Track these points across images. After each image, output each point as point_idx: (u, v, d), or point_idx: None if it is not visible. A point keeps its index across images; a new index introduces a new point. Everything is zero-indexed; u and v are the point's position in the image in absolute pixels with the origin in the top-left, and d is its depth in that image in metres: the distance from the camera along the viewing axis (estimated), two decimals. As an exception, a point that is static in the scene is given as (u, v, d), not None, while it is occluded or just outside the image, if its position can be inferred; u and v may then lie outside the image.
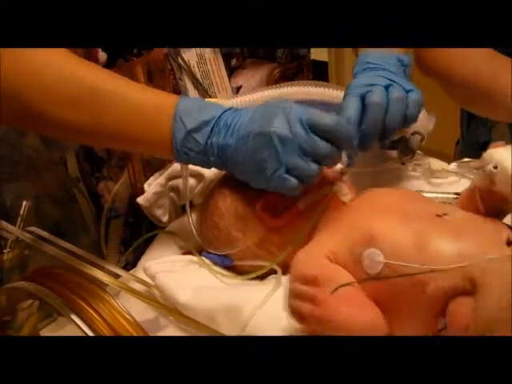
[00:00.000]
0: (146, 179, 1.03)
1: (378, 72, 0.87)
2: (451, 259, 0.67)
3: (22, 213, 1.04)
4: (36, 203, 1.15)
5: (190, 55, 1.16)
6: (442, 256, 0.68)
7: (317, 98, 0.97)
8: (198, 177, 0.98)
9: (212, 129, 0.81)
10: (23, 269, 0.85)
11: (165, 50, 1.09)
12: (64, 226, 1.16)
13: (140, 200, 1.00)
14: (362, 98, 0.86)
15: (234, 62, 1.22)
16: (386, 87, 0.86)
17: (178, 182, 0.98)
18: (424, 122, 0.94)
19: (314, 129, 0.77)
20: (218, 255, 0.87)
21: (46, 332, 0.73)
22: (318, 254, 0.76)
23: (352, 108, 0.86)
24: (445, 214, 0.74)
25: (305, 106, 0.80)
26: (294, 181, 0.78)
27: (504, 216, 0.75)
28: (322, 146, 0.78)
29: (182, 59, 1.15)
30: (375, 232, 0.73)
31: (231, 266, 0.87)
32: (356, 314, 0.70)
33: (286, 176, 0.77)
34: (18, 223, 1.00)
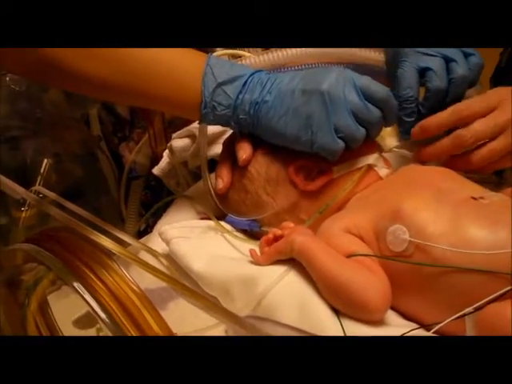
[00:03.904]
0: (167, 141, 0.99)
1: None
2: (481, 247, 0.63)
3: (42, 171, 1.02)
4: (57, 161, 1.12)
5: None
6: (471, 242, 0.64)
7: (352, 59, 0.91)
8: (192, 138, 0.94)
9: (244, 84, 0.78)
10: (43, 227, 0.83)
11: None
12: (85, 185, 1.14)
13: (155, 171, 0.97)
14: (420, 70, 0.83)
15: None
16: (446, 59, 0.82)
17: (176, 142, 0.94)
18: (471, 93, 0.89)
19: (366, 95, 0.76)
20: (246, 220, 0.83)
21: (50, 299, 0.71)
22: (341, 226, 0.73)
23: (411, 81, 0.83)
24: (481, 198, 0.69)
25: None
26: (340, 142, 0.76)
27: None
28: (375, 112, 0.77)
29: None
30: (403, 208, 0.69)
31: (256, 233, 0.83)
32: (366, 275, 0.68)
33: (333, 135, 0.75)
34: (39, 181, 0.98)
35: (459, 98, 0.84)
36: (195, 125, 0.93)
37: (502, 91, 0.80)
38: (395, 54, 0.85)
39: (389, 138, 0.91)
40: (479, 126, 0.78)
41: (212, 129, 0.91)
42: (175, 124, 1.00)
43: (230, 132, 0.91)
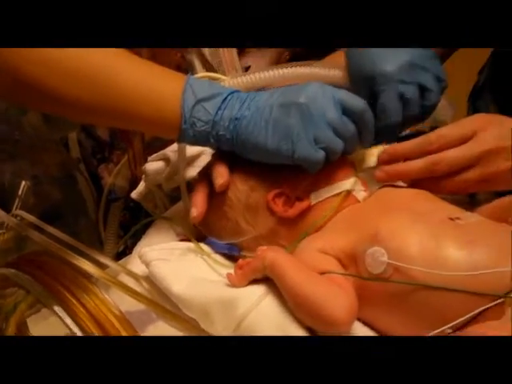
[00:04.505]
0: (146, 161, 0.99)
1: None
2: (459, 267, 0.64)
3: (20, 193, 1.01)
4: (35, 183, 1.12)
5: (199, 33, 1.13)
6: (449, 263, 0.65)
7: (327, 80, 0.93)
8: (166, 161, 0.95)
9: (224, 100, 0.79)
10: (20, 251, 0.82)
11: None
12: (63, 208, 1.14)
13: (133, 195, 0.98)
14: (400, 97, 0.83)
15: (243, 40, 1.18)
16: (421, 87, 0.83)
17: (150, 166, 0.96)
18: (444, 112, 0.90)
19: (343, 108, 0.77)
20: (226, 244, 0.84)
21: (29, 323, 0.71)
22: (317, 247, 0.74)
23: (396, 109, 0.83)
24: (458, 218, 0.71)
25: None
26: (321, 152, 0.76)
27: None
28: (350, 127, 0.78)
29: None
30: (381, 230, 0.70)
31: (236, 256, 0.83)
32: (334, 290, 0.68)
33: (313, 146, 0.76)
34: (16, 204, 0.97)
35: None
36: (170, 148, 0.94)
37: (477, 120, 0.80)
38: (370, 81, 0.84)
39: (370, 156, 0.92)
40: (454, 155, 0.78)
41: (187, 152, 0.92)
42: (154, 146, 1.00)
43: (205, 155, 0.92)
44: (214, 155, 0.87)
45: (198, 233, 0.87)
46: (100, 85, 0.79)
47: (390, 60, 0.83)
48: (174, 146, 0.92)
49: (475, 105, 1.16)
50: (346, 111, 0.78)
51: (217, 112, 0.79)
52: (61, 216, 1.11)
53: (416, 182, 0.81)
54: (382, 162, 0.82)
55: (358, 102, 0.79)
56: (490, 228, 0.70)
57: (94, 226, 1.12)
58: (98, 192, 1.13)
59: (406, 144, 0.81)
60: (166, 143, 0.96)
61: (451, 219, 0.71)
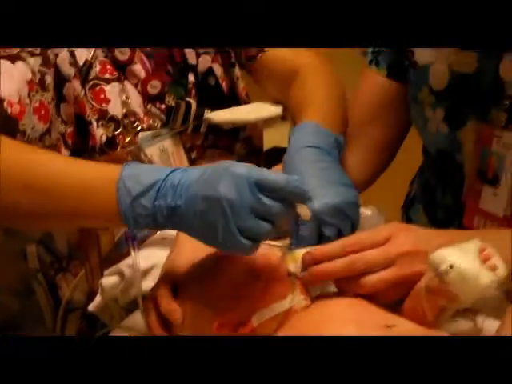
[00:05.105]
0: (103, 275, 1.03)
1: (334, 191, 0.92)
2: None
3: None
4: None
5: (152, 149, 1.19)
6: None
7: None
8: (121, 275, 0.99)
9: (158, 190, 0.80)
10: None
11: (128, 149, 1.13)
12: (21, 318, 1.15)
13: (90, 308, 1.01)
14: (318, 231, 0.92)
15: (194, 154, 1.25)
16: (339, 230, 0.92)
17: (106, 281, 1.00)
18: (373, 222, 0.97)
19: (262, 189, 0.77)
20: None
21: None
22: None
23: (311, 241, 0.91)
24: (394, 325, 0.76)
25: (252, 166, 0.80)
26: (247, 243, 0.78)
27: (446, 315, 0.78)
28: (272, 205, 0.77)
29: (144, 154, 1.18)
30: None
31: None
32: None
33: (239, 238, 0.77)
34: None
35: None
36: (124, 262, 0.99)
37: (391, 227, 0.87)
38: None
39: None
40: (372, 256, 0.83)
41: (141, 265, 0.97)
42: (111, 259, 1.04)
43: (156, 268, 0.98)
44: (153, 288, 0.91)
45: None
46: (42, 192, 0.84)
47: (319, 198, 0.91)
48: (128, 261, 0.97)
49: (408, 213, 1.25)
50: (266, 190, 0.77)
51: (154, 204, 0.80)
52: (18, 327, 1.13)
53: (338, 282, 0.86)
54: (306, 263, 0.86)
55: (276, 178, 0.78)
56: (421, 334, 0.75)
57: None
58: (55, 302, 1.15)
59: (328, 247, 0.87)
60: (122, 256, 1.01)
61: (388, 326, 0.76)
